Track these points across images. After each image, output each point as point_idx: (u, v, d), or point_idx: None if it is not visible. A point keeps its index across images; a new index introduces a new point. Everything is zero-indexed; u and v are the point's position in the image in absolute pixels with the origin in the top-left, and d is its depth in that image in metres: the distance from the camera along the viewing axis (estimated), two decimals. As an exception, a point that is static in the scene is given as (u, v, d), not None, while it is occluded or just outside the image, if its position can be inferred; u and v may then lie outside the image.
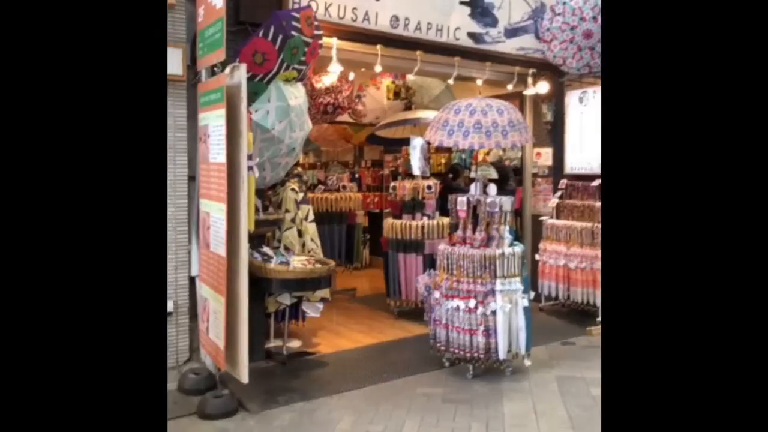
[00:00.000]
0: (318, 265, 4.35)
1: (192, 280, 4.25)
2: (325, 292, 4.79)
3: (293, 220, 4.86)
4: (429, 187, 5.84)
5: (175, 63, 4.05)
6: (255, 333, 4.13)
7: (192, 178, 4.23)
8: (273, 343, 4.77)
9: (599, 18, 5.47)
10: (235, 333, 3.49)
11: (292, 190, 4.93)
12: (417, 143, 5.72)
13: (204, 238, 3.86)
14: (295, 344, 4.94)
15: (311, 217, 4.99)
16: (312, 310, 4.84)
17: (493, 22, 5.78)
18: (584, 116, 6.22)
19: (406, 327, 5.58)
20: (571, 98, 6.35)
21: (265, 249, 4.41)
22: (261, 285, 4.19)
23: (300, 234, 4.89)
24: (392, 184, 6.25)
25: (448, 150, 8.11)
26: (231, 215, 3.46)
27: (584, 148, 6.22)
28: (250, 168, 3.59)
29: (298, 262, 4.30)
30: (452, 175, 7.27)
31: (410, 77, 6.74)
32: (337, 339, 5.21)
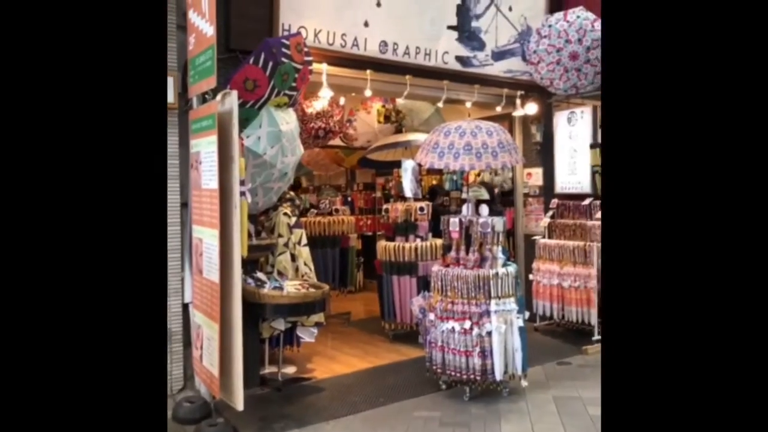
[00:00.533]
0: (312, 290, 4.33)
1: (185, 307, 4.22)
2: (319, 317, 4.77)
3: (286, 245, 4.85)
4: (421, 209, 5.86)
5: (167, 91, 4.08)
6: (250, 359, 4.09)
7: (184, 205, 4.23)
8: (268, 369, 4.72)
9: (584, 40, 5.57)
10: (229, 360, 3.46)
11: (285, 214, 4.93)
12: (408, 165, 5.76)
13: (197, 264, 3.84)
14: (290, 370, 4.89)
15: (304, 241, 4.99)
16: (306, 335, 4.81)
17: (481, 46, 5.88)
18: (573, 136, 6.30)
19: (401, 350, 5.54)
20: (560, 119, 6.44)
21: (259, 274, 4.39)
22: (255, 311, 4.17)
23: (293, 258, 4.88)
24: (385, 206, 6.28)
25: (440, 172, 8.16)
26: (224, 241, 3.45)
27: (574, 167, 6.29)
28: (242, 193, 3.59)
29: (291, 287, 4.29)
30: (428, 196, 7.31)
31: (400, 101, 6.82)
32: (332, 364, 5.17)
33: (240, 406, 3.42)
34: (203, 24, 3.77)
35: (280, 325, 4.51)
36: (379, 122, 7.57)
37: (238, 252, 3.44)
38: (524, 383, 4.29)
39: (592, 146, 6.02)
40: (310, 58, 4.38)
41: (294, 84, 4.21)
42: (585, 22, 5.60)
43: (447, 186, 7.91)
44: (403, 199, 6.00)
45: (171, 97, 4.11)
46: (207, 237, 3.63)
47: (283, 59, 4.00)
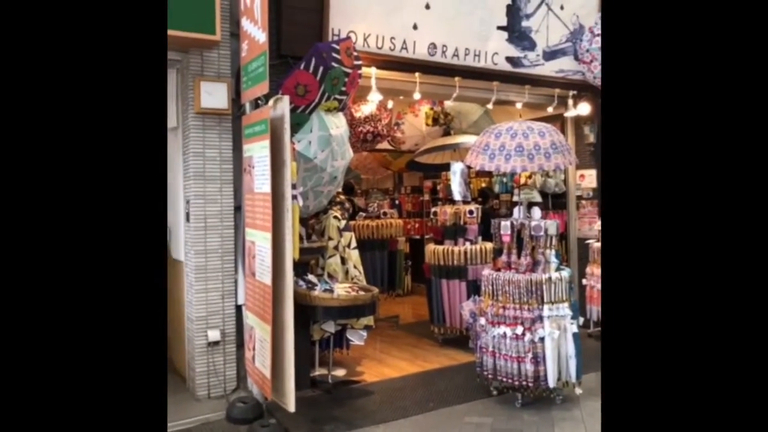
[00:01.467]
0: (361, 293, 4.34)
1: (239, 309, 4.31)
2: (369, 320, 4.77)
3: (336, 248, 4.88)
4: (471, 212, 5.80)
5: (221, 97, 4.19)
6: (300, 361, 4.13)
7: (238, 208, 4.32)
8: (318, 372, 4.75)
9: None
10: (281, 361, 3.50)
11: (335, 217, 4.97)
12: (457, 168, 5.71)
13: (249, 266, 3.91)
14: (340, 372, 4.92)
15: (354, 244, 5.01)
16: (356, 337, 4.82)
17: (531, 46, 5.77)
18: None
19: (451, 354, 5.49)
20: (614, 118, 6.25)
21: (310, 277, 4.43)
22: (306, 313, 4.21)
23: (343, 261, 4.91)
24: (433, 209, 6.24)
25: (489, 174, 8.05)
26: (276, 244, 3.50)
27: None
28: (294, 197, 3.64)
29: (342, 290, 4.31)
30: (481, 199, 7.21)
31: (448, 103, 6.77)
32: (381, 367, 5.17)
33: (291, 407, 3.45)
34: (255, 31, 3.84)
35: (331, 327, 4.54)
36: (427, 125, 7.55)
37: (290, 255, 3.48)
38: (578, 391, 4.17)
39: (649, 146, 5.81)
40: (360, 62, 4.40)
41: (344, 88, 4.24)
42: (641, 18, 5.42)
43: (497, 189, 7.80)
44: (452, 202, 5.94)
45: (225, 103, 4.22)
46: (259, 240, 3.69)
47: (333, 64, 4.03)
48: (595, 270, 5.74)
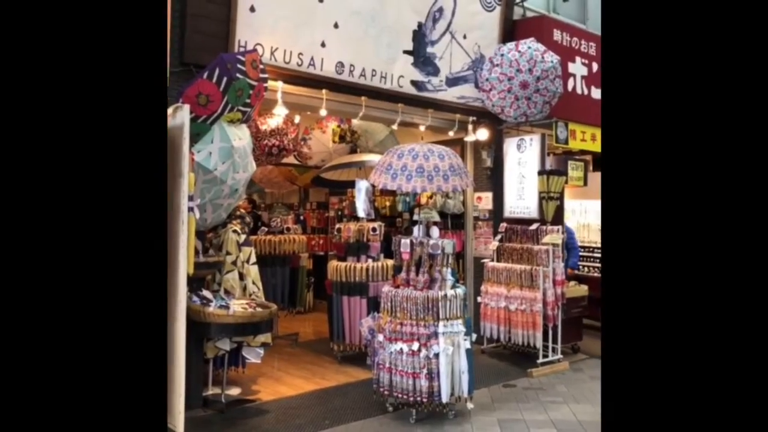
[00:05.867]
0: (259, 309, 4.25)
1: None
2: (266, 337, 4.68)
3: (234, 263, 4.76)
4: (374, 230, 5.88)
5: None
6: (192, 380, 3.97)
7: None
8: (211, 391, 4.58)
9: (534, 70, 5.77)
10: (171, 380, 3.34)
11: (234, 231, 4.85)
12: (362, 186, 5.78)
13: (140, 281, 3.72)
14: (234, 391, 4.76)
15: (253, 259, 4.91)
16: (252, 355, 4.70)
17: (435, 71, 6.00)
18: (522, 162, 6.48)
19: (349, 372, 5.49)
20: (510, 145, 6.62)
21: (205, 292, 4.28)
22: (199, 330, 4.06)
23: (241, 277, 4.79)
24: (337, 226, 6.26)
25: (393, 193, 8.22)
26: (169, 257, 3.36)
27: (523, 193, 6.45)
28: (190, 209, 3.52)
29: (238, 306, 4.20)
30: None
31: (355, 122, 6.86)
32: (278, 386, 5.07)
33: (181, 428, 3.30)
34: (156, 36, 3.71)
35: (226, 345, 4.40)
36: (334, 142, 7.59)
37: (184, 269, 3.36)
38: (470, 406, 4.32)
39: (540, 173, 6.20)
40: (266, 75, 4.37)
41: (248, 100, 4.18)
42: (535, 53, 5.82)
43: (400, 207, 7.97)
44: (356, 219, 6.00)
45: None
46: (151, 253, 3.52)
47: (238, 75, 3.97)
48: (489, 288, 6.00)
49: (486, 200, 6.82)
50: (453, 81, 6.17)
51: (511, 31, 6.58)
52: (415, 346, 4.12)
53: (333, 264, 5.91)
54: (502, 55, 5.93)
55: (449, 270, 4.37)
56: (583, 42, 6.86)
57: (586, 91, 6.84)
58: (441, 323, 4.15)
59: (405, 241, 4.42)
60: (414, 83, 5.84)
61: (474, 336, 4.54)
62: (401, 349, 4.14)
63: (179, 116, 3.48)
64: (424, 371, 4.08)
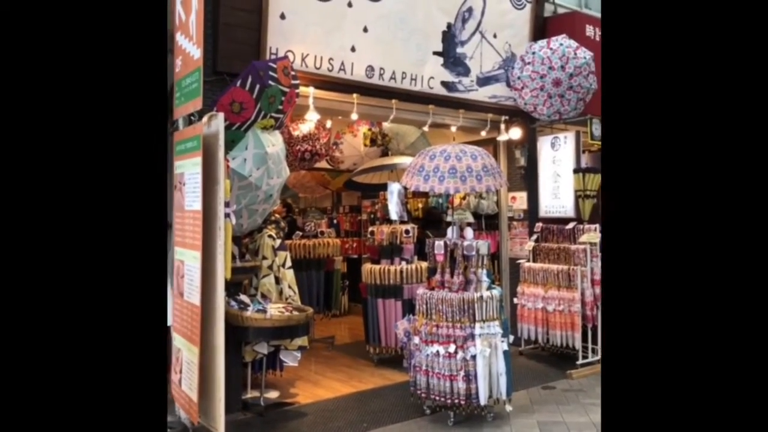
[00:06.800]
0: (296, 313, 4.29)
1: (167, 330, 4.16)
2: (303, 341, 4.71)
3: (270, 267, 4.82)
4: (407, 232, 5.87)
5: (153, 112, 4.08)
6: (232, 384, 4.03)
7: (168, 226, 4.19)
8: (250, 394, 4.64)
9: (567, 67, 5.68)
10: (211, 384, 3.40)
11: (270, 236, 4.91)
12: (394, 188, 5.77)
13: (178, 286, 3.80)
14: (272, 395, 4.82)
15: (289, 263, 4.96)
16: (290, 359, 4.75)
17: (466, 72, 5.96)
18: (556, 161, 6.38)
19: (386, 375, 5.49)
20: (543, 144, 6.52)
21: (242, 297, 4.35)
22: (237, 334, 4.11)
23: (277, 281, 4.84)
24: (370, 229, 6.27)
25: (425, 195, 8.20)
26: (206, 263, 3.42)
27: (558, 192, 6.35)
28: (227, 215, 3.58)
29: (275, 310, 4.25)
30: (422, 223, 7.27)
31: (386, 124, 6.87)
32: (315, 388, 5.10)
33: (221, 431, 3.35)
34: (190, 47, 3.79)
35: (263, 348, 4.46)
36: (365, 145, 7.62)
37: (221, 274, 3.41)
38: (509, 408, 4.26)
39: (576, 171, 6.09)
40: (297, 82, 4.41)
41: (281, 107, 4.23)
42: (568, 49, 5.72)
43: (433, 209, 7.93)
44: (389, 221, 6.00)
45: (156, 118, 4.11)
46: (188, 259, 3.59)
47: (270, 82, 4.03)
48: (525, 289, 5.92)
49: (521, 200, 6.73)
50: (484, 80, 6.12)
51: (542, 28, 6.49)
52: (452, 348, 4.09)
53: (367, 267, 5.93)
54: (533, 53, 5.86)
55: (484, 271, 4.33)
56: (616, 36, 6.71)
57: (621, 87, 6.69)
58: (477, 325, 4.11)
59: (439, 243, 4.40)
60: (444, 84, 5.82)
61: (511, 338, 4.49)
62: (437, 351, 4.12)
63: (214, 124, 3.54)
64: (462, 373, 4.05)
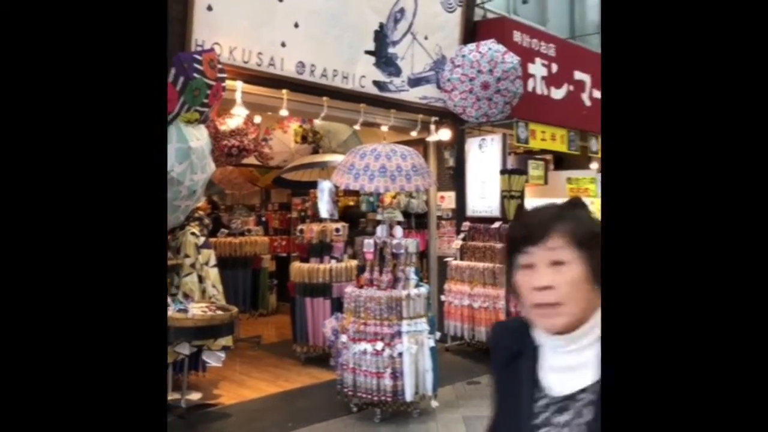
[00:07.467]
0: (219, 312, 4.18)
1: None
2: (227, 340, 4.60)
3: (193, 266, 4.67)
4: (337, 230, 5.85)
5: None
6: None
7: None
8: (171, 396, 4.47)
9: (495, 71, 5.84)
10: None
11: (192, 234, 4.75)
12: (325, 186, 5.75)
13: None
14: (194, 396, 4.67)
15: (213, 261, 4.82)
16: (213, 359, 4.62)
17: (397, 72, 6.01)
18: (484, 162, 6.55)
19: (313, 373, 5.45)
20: (472, 145, 6.68)
21: (163, 296, 4.18)
22: (157, 334, 3.96)
23: (200, 280, 4.70)
24: (300, 227, 6.21)
25: (356, 193, 8.20)
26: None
27: (485, 192, 6.52)
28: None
29: (197, 309, 4.12)
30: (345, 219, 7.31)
31: (318, 122, 6.82)
32: (240, 389, 4.99)
33: (137, 436, 3.21)
34: (109, 33, 3.60)
35: (185, 349, 4.31)
36: (296, 142, 7.53)
37: (140, 272, 3.27)
38: (434, 404, 4.34)
39: (502, 172, 6.27)
40: (224, 75, 4.29)
41: (206, 100, 4.10)
42: (496, 54, 5.89)
43: (363, 207, 7.95)
44: (319, 219, 5.96)
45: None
46: (106, 256, 3.42)
47: (195, 75, 3.89)
48: (452, 286, 6.05)
49: (449, 199, 6.87)
50: (415, 81, 6.19)
51: (472, 32, 6.64)
52: (379, 345, 4.11)
53: (296, 265, 5.86)
54: (463, 56, 5.98)
55: (412, 269, 4.39)
56: (542, 43, 6.98)
57: (545, 92, 6.96)
58: (405, 322, 4.16)
59: (368, 241, 4.41)
60: (376, 83, 5.83)
61: (438, 334, 4.57)
62: (365, 349, 4.13)
63: (134, 115, 3.39)
64: (388, 371, 4.08)
